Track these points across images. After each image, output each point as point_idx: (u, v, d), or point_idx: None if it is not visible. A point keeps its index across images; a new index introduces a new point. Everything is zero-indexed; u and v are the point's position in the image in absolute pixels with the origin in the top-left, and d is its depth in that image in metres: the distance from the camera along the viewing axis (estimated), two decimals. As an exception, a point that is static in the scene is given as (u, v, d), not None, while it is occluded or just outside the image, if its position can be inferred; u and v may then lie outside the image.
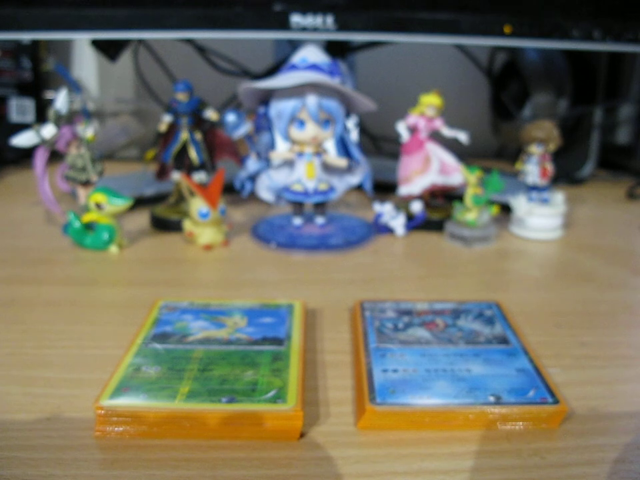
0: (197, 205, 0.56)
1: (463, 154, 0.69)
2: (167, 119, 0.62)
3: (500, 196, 0.66)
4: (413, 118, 0.63)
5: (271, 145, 0.61)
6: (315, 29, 0.64)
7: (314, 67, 0.56)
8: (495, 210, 0.60)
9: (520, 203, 0.62)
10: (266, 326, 0.40)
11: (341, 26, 0.64)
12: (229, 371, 0.34)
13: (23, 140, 0.56)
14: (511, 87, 0.92)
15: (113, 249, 0.57)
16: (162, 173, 0.66)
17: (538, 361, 0.36)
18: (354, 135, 0.63)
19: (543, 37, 0.65)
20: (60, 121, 0.56)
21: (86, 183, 0.58)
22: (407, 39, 0.66)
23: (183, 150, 0.63)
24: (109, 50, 0.75)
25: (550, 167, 0.61)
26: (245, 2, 0.64)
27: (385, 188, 0.73)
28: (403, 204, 0.66)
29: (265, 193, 0.62)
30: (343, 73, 0.58)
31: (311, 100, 0.55)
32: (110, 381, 0.33)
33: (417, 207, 0.63)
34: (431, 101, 0.62)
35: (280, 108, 0.56)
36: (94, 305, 0.47)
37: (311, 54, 0.57)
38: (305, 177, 0.59)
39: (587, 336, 0.42)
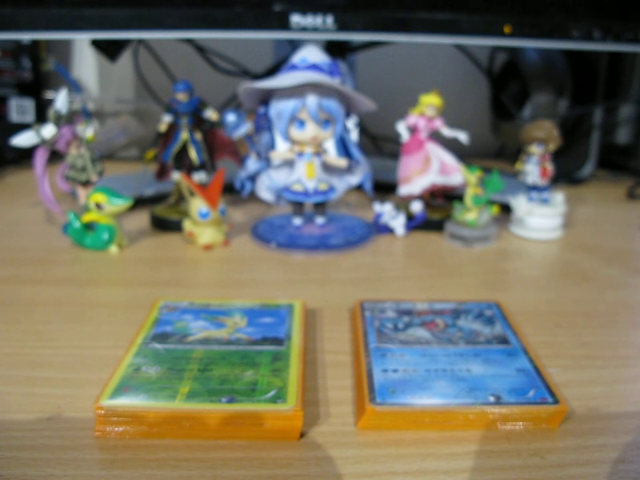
0: (197, 205, 0.56)
1: (463, 154, 0.69)
2: (166, 119, 0.62)
3: (500, 196, 0.65)
4: (413, 118, 0.63)
5: (271, 145, 0.61)
6: (314, 29, 0.64)
7: (314, 67, 0.56)
8: (494, 210, 0.60)
9: (520, 203, 0.62)
10: (266, 326, 0.40)
11: (341, 26, 0.64)
12: (229, 371, 0.34)
13: (23, 140, 0.56)
14: (511, 87, 0.92)
15: (113, 249, 0.57)
16: (162, 173, 0.66)
17: (538, 361, 0.36)
18: (354, 135, 0.63)
19: (543, 36, 0.65)
20: (60, 120, 0.56)
21: (86, 183, 0.58)
22: (406, 39, 0.66)
23: (183, 150, 0.63)
24: (109, 50, 0.75)
25: (550, 167, 0.61)
26: (245, 2, 0.64)
27: (385, 188, 0.73)
28: (403, 204, 0.66)
29: (264, 193, 0.62)
30: (342, 73, 0.58)
31: (311, 100, 0.55)
32: (110, 381, 0.33)
33: (417, 206, 0.63)
34: (431, 101, 0.62)
35: (280, 108, 0.56)
36: (94, 305, 0.47)
37: (311, 54, 0.57)
38: (305, 176, 0.59)
39: (587, 336, 0.42)
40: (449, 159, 0.63)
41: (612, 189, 0.83)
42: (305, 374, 0.35)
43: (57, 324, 0.43)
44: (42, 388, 0.35)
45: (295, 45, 0.78)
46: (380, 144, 0.95)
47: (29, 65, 0.92)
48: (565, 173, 0.83)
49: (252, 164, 0.61)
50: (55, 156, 0.59)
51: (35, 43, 0.92)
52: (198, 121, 0.63)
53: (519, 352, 0.37)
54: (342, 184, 0.62)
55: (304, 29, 0.64)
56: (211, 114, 0.63)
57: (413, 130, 0.64)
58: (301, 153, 0.58)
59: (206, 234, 0.58)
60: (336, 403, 0.34)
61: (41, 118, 0.91)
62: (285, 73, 0.57)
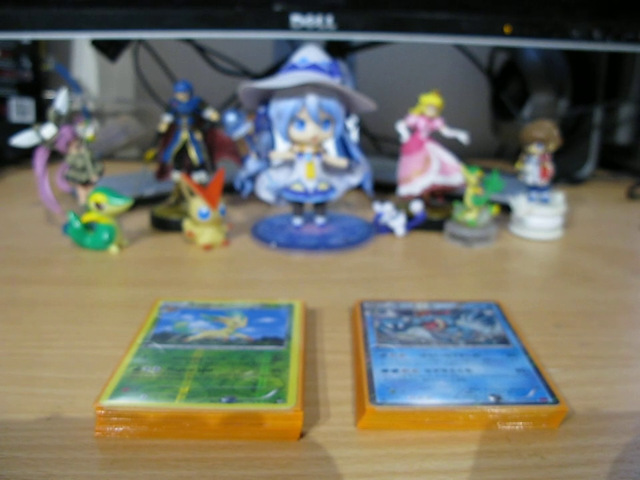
0: (197, 205, 0.56)
1: (463, 154, 0.69)
2: (166, 119, 0.62)
3: (500, 196, 0.66)
4: (412, 118, 0.63)
5: (271, 145, 0.61)
6: (315, 29, 0.64)
7: (314, 67, 0.56)
8: (495, 210, 0.60)
9: (520, 203, 0.62)
10: (266, 326, 0.40)
11: (341, 26, 0.64)
12: (229, 371, 0.34)
13: (23, 140, 0.56)
14: (511, 87, 0.92)
15: (113, 249, 0.57)
16: (162, 173, 0.66)
17: (538, 361, 0.36)
18: (354, 135, 0.63)
19: (543, 36, 0.65)
20: (60, 120, 0.56)
21: (86, 183, 0.58)
22: (407, 39, 0.66)
23: (183, 150, 0.63)
24: (109, 50, 0.75)
25: (550, 167, 0.61)
26: (245, 2, 0.64)
27: (385, 188, 0.73)
28: (402, 204, 0.66)
29: (265, 193, 0.62)
30: (343, 73, 0.58)
31: (311, 100, 0.55)
32: (110, 381, 0.33)
33: (417, 206, 0.63)
34: (431, 101, 0.62)
35: (280, 108, 0.56)
36: (94, 305, 0.47)
37: (311, 54, 0.57)
38: (304, 176, 0.59)
39: (587, 336, 0.42)
40: (449, 158, 0.63)
41: (612, 189, 0.83)
42: (304, 374, 0.35)
43: (57, 324, 0.43)
44: (42, 388, 0.35)
45: (294, 45, 0.78)
46: (380, 144, 0.95)
47: (29, 65, 0.92)
48: (565, 173, 0.83)
49: (252, 164, 0.61)
50: (55, 156, 0.59)
51: (35, 43, 0.92)
52: (198, 121, 0.63)
53: (519, 352, 0.37)
54: (342, 184, 0.62)
55: (304, 29, 0.64)
56: (211, 114, 0.63)
57: (412, 130, 0.64)
58: (300, 153, 0.58)
59: (206, 234, 0.58)
60: (336, 403, 0.34)
61: (41, 118, 0.91)
62: (284, 72, 0.57)
